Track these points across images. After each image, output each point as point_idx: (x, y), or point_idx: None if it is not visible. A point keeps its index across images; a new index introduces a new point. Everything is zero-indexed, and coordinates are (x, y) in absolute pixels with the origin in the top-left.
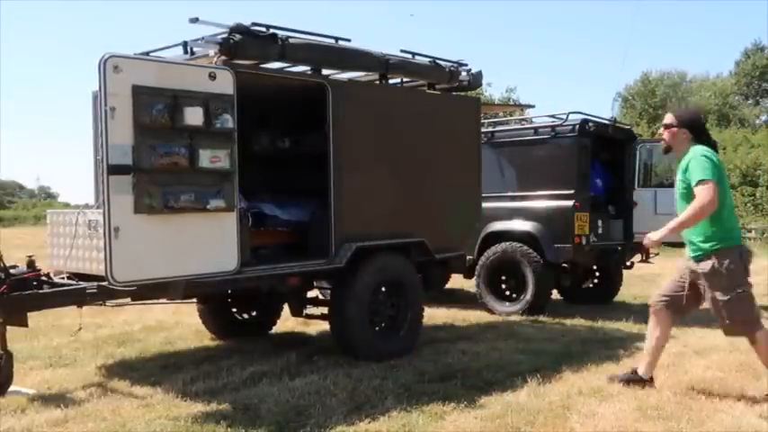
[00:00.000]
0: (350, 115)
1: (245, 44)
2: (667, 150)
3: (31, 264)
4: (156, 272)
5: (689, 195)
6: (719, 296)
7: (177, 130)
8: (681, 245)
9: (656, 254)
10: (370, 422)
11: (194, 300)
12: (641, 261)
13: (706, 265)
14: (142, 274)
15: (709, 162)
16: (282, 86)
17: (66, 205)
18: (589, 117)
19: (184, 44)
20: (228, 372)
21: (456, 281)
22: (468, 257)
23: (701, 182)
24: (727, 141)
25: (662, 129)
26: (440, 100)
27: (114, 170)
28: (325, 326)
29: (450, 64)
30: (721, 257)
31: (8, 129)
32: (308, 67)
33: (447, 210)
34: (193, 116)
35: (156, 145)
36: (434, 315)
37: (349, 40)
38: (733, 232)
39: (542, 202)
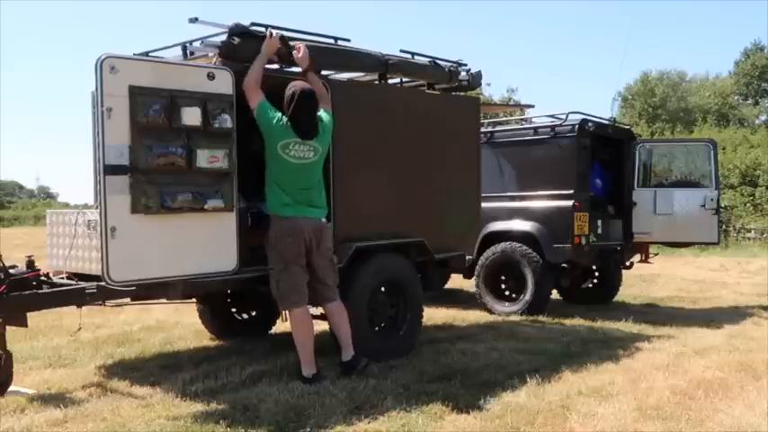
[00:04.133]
0: (349, 115)
1: (244, 46)
2: None
3: (30, 264)
4: (154, 272)
5: None
6: None
7: (174, 130)
8: (680, 245)
9: (656, 254)
10: (369, 422)
11: (194, 300)
12: (641, 261)
13: None
14: (139, 273)
15: None
16: (282, 86)
17: (66, 205)
18: (588, 117)
19: (183, 47)
20: (228, 372)
21: (456, 281)
22: (467, 257)
23: None
24: (726, 141)
25: None
26: (439, 100)
27: (111, 170)
28: (324, 326)
29: (450, 64)
30: None
31: (8, 129)
32: None
33: (447, 210)
34: (191, 116)
35: (153, 145)
36: (434, 315)
37: (349, 40)
38: None
39: (542, 202)
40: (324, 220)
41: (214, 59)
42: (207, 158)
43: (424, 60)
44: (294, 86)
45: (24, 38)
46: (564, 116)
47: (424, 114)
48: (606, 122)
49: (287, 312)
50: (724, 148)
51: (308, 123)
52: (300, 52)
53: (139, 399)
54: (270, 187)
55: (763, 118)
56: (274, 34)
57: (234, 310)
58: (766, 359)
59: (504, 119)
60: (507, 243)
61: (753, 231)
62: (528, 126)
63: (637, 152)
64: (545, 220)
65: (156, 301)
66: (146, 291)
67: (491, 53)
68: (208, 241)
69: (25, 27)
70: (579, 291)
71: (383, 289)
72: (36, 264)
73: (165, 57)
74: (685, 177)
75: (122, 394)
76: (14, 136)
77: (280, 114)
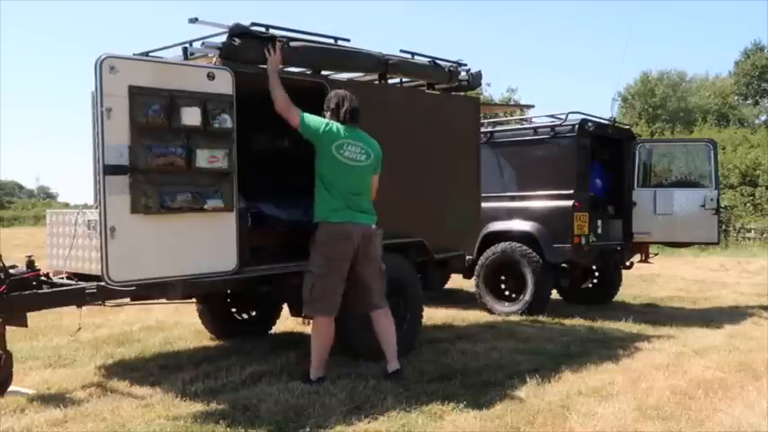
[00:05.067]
0: None
1: (245, 48)
2: None
3: (30, 264)
4: (153, 272)
5: None
6: None
7: (174, 130)
8: (680, 245)
9: (656, 254)
10: (369, 422)
11: (194, 300)
12: (640, 261)
13: None
14: (138, 273)
15: None
16: (282, 86)
17: (66, 205)
18: (588, 117)
19: (184, 49)
20: (228, 372)
21: (456, 281)
22: (467, 257)
23: None
24: (726, 141)
25: None
26: (439, 100)
27: (110, 170)
28: None
29: (450, 64)
30: None
31: (8, 128)
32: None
33: (447, 210)
34: (191, 116)
35: (153, 145)
36: (434, 315)
37: (348, 40)
38: None
39: (542, 202)
40: (374, 226)
41: (214, 60)
42: (207, 158)
43: (424, 60)
44: (336, 92)
45: (24, 38)
46: (564, 116)
47: (423, 114)
48: (606, 122)
49: (310, 319)
50: (724, 148)
51: (354, 112)
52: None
53: (139, 399)
54: (319, 194)
55: (763, 118)
56: (276, 52)
57: (234, 310)
58: (766, 359)
59: (504, 119)
60: (507, 243)
61: (753, 231)
62: (528, 126)
63: (637, 152)
64: (545, 220)
65: (155, 301)
66: (145, 291)
67: (491, 53)
68: (207, 241)
69: (26, 26)
70: (579, 291)
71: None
72: (36, 264)
73: (165, 57)
74: (685, 177)
75: (122, 394)
76: (14, 136)
77: (324, 119)
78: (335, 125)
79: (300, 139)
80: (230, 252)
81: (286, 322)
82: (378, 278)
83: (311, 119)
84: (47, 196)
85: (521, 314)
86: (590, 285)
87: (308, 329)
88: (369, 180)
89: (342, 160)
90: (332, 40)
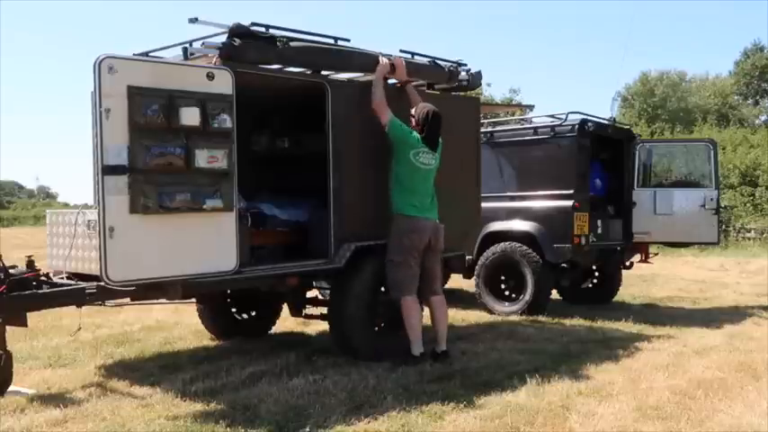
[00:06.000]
0: (349, 115)
1: (245, 48)
2: None
3: (30, 264)
4: (152, 272)
5: None
6: None
7: (173, 130)
8: (680, 245)
9: (656, 254)
10: (369, 422)
11: (194, 300)
12: (641, 261)
13: None
14: (137, 273)
15: None
16: (282, 86)
17: (66, 205)
18: (588, 117)
19: (184, 49)
20: (228, 372)
21: (456, 281)
22: (467, 257)
23: None
24: (726, 141)
25: None
26: (439, 100)
27: (109, 170)
28: (324, 326)
29: (450, 64)
30: None
31: (8, 129)
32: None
33: (446, 210)
34: (190, 116)
35: (152, 145)
36: None
37: (348, 40)
38: None
39: (542, 202)
40: (438, 221)
41: (214, 60)
42: (206, 158)
43: (424, 60)
44: (428, 107)
45: (24, 37)
46: (564, 116)
47: None
48: (606, 122)
49: (399, 299)
50: (724, 148)
51: (436, 136)
52: (398, 68)
53: (139, 399)
54: (398, 190)
55: (763, 118)
56: (384, 61)
57: (234, 310)
58: (766, 359)
59: (504, 119)
60: (507, 243)
61: (753, 231)
62: (528, 126)
63: (637, 152)
64: (545, 220)
65: (155, 300)
66: (145, 291)
67: (491, 53)
68: (207, 241)
69: (25, 26)
70: (579, 291)
71: (383, 289)
72: (36, 264)
73: (165, 57)
74: (685, 177)
75: (122, 394)
76: (14, 136)
77: (408, 128)
78: (416, 135)
79: (300, 139)
80: (230, 252)
81: (286, 322)
82: (439, 268)
83: (398, 124)
84: (47, 196)
85: (521, 314)
86: (590, 285)
87: (307, 329)
88: (433, 180)
89: (417, 165)
90: (332, 40)
